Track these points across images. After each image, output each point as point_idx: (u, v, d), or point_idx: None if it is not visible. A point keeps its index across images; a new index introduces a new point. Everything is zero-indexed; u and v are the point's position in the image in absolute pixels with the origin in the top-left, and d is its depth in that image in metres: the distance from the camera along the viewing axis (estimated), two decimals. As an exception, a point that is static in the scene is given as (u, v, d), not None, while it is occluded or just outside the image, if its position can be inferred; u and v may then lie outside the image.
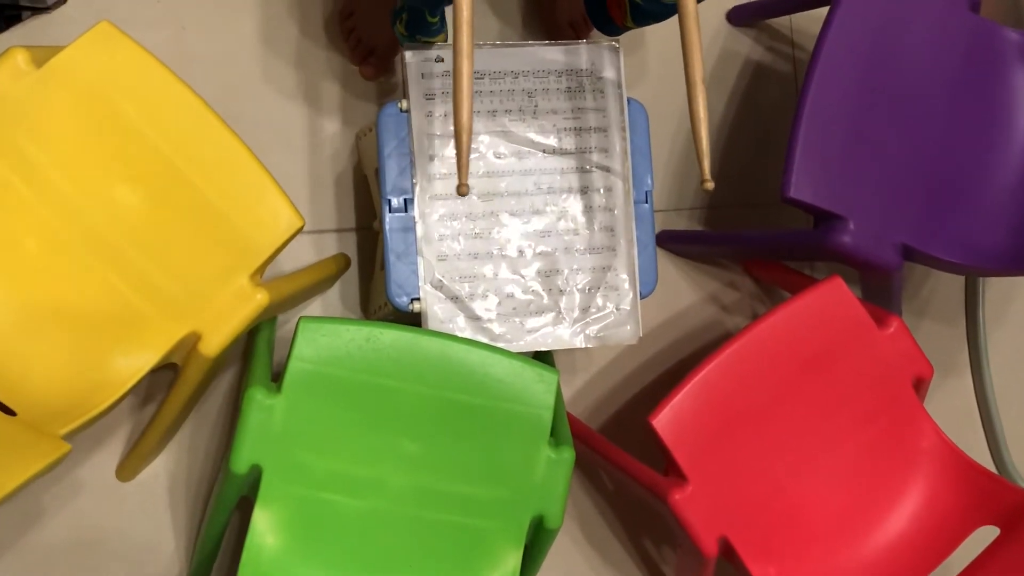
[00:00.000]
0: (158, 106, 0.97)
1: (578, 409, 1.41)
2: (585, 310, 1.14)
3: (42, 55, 0.95)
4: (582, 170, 1.15)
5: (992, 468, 1.56)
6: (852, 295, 1.14)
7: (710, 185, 0.91)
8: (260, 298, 0.98)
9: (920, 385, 1.17)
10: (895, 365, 1.15)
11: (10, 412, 0.90)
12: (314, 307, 1.33)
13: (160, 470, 1.26)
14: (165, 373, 1.25)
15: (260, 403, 0.95)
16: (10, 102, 0.93)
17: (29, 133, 0.94)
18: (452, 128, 1.11)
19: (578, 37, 1.38)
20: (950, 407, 1.55)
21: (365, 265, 1.35)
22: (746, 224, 1.51)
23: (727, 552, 1.07)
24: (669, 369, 1.45)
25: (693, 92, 0.91)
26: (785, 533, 1.10)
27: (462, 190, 0.89)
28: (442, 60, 1.12)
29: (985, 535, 1.12)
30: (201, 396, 1.26)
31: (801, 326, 1.12)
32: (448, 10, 1.07)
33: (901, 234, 1.18)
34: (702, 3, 1.04)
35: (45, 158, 0.95)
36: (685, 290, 1.47)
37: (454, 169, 1.11)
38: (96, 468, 1.24)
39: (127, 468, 1.24)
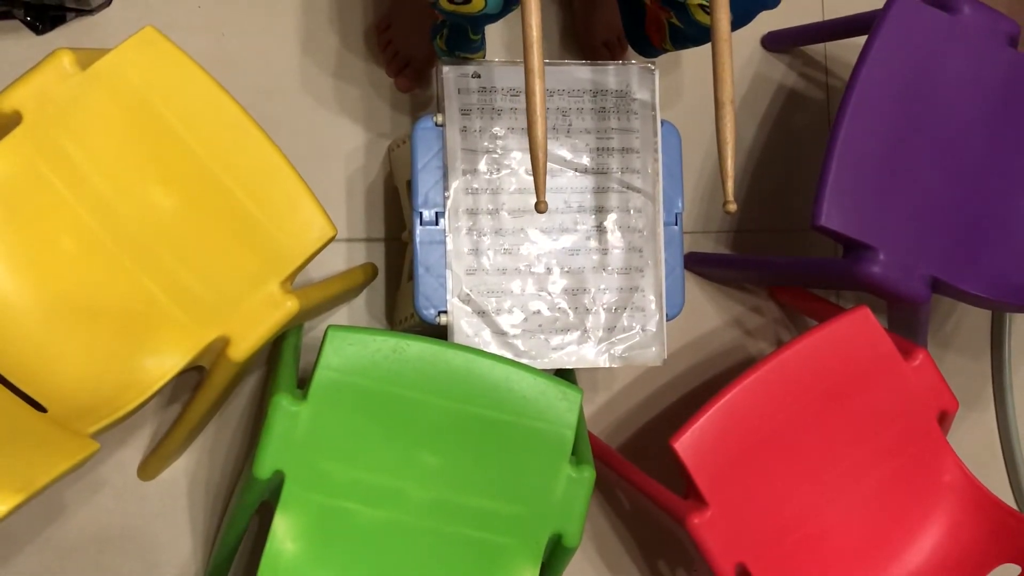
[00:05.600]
0: (198, 112, 0.98)
1: (598, 428, 1.41)
2: (611, 330, 1.14)
3: (87, 57, 0.97)
4: (613, 190, 1.15)
5: (1012, 504, 1.54)
6: (879, 326, 1.14)
7: (732, 207, 0.92)
8: (290, 305, 0.99)
9: (944, 419, 1.16)
10: (920, 398, 1.14)
11: (41, 408, 0.91)
12: (340, 315, 1.34)
13: (181, 471, 1.27)
14: (191, 374, 1.26)
15: (286, 410, 0.96)
16: (54, 103, 0.95)
17: (71, 134, 0.96)
18: (485, 144, 1.12)
19: (613, 58, 1.39)
20: (972, 441, 1.54)
21: (392, 275, 1.36)
22: (774, 249, 1.51)
23: (744, 578, 1.07)
24: (691, 391, 1.45)
25: (721, 113, 0.92)
26: (803, 562, 1.09)
27: (540, 207, 0.91)
28: (479, 76, 1.13)
29: (1007, 573, 1.11)
30: (226, 399, 1.27)
31: (827, 355, 1.11)
32: (489, 28, 1.08)
33: (931, 267, 1.18)
34: (740, 29, 1.04)
35: (85, 159, 0.96)
36: (710, 313, 1.47)
37: (486, 184, 1.12)
38: (118, 466, 1.25)
39: (149, 468, 1.25)
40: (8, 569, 1.21)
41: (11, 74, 0.98)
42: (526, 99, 0.90)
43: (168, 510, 1.26)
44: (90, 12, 1.29)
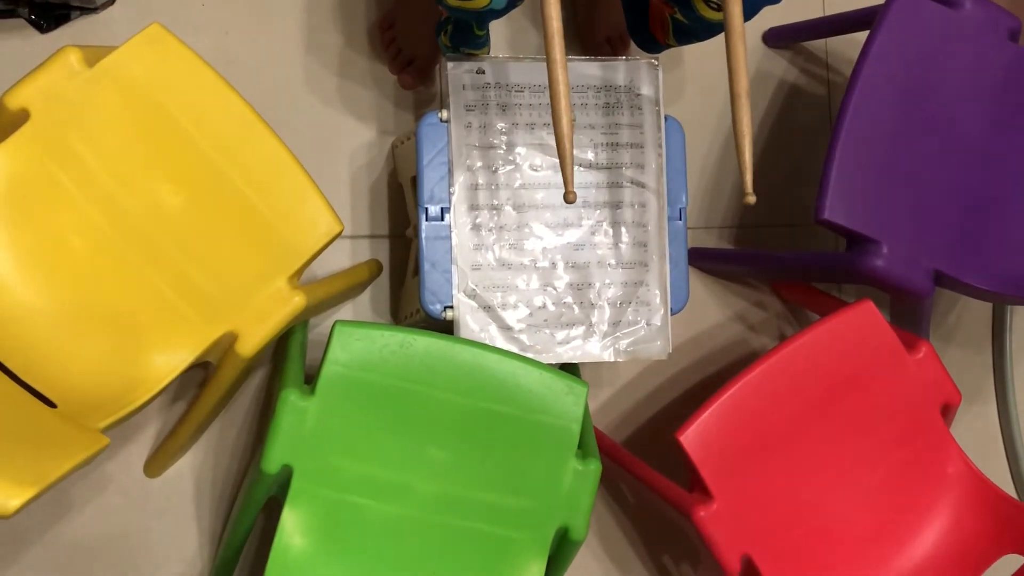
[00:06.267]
0: (204, 109, 0.99)
1: (603, 422, 1.41)
2: (616, 324, 1.14)
3: (94, 55, 0.97)
4: (617, 185, 1.16)
5: (1014, 495, 1.55)
6: (883, 319, 1.14)
7: (751, 199, 0.92)
8: (297, 301, 0.99)
9: (947, 411, 1.17)
10: (923, 391, 1.15)
11: (50, 404, 0.91)
12: (345, 312, 1.34)
13: (187, 468, 1.27)
14: (195, 371, 1.26)
15: (294, 404, 0.96)
16: (62, 100, 0.95)
17: (79, 132, 0.96)
18: (491, 139, 1.12)
19: (615, 54, 1.39)
20: (974, 433, 1.54)
21: (397, 272, 1.36)
22: (776, 244, 1.52)
23: (750, 571, 1.07)
24: (694, 386, 1.45)
25: (737, 106, 0.92)
26: (808, 554, 1.10)
27: (569, 198, 0.91)
28: (483, 72, 1.13)
29: (1010, 564, 1.12)
30: (232, 396, 1.27)
31: (831, 348, 1.12)
32: (494, 24, 1.08)
33: (934, 260, 1.19)
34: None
35: (93, 157, 0.97)
36: (713, 308, 1.47)
37: (491, 180, 1.12)
38: (124, 464, 1.26)
39: (155, 465, 1.25)
40: (15, 566, 1.21)
41: (16, 72, 0.98)
42: (550, 89, 0.90)
43: (174, 507, 1.26)
44: (94, 10, 1.29)
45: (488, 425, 1.00)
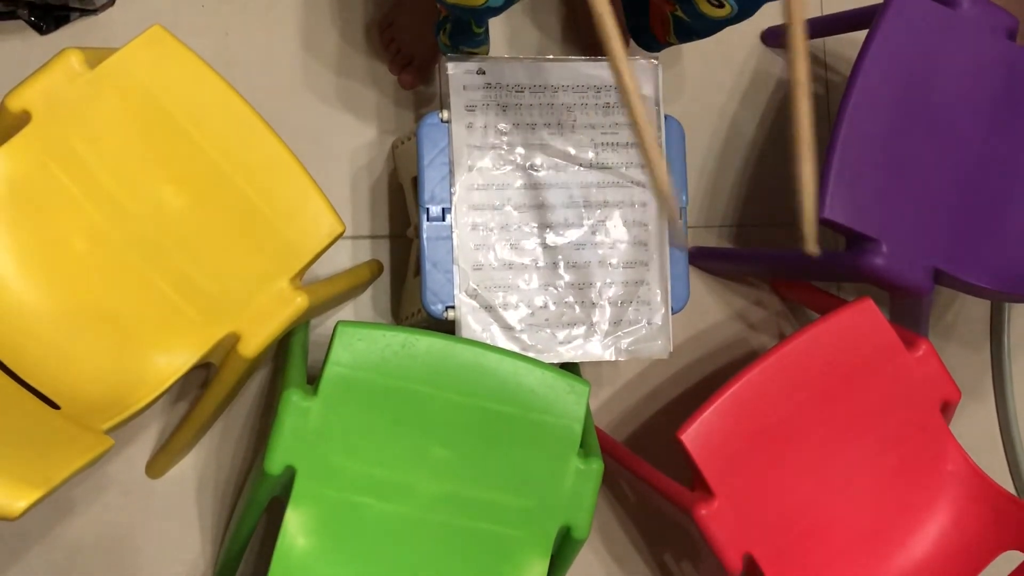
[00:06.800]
0: (206, 110, 0.99)
1: (604, 421, 1.42)
2: (617, 323, 1.15)
3: (95, 56, 0.97)
4: (618, 185, 1.16)
5: (1013, 492, 1.55)
6: (882, 317, 1.15)
7: (815, 250, 0.92)
8: (300, 301, 1.00)
9: (947, 408, 1.17)
10: (923, 388, 1.15)
11: (54, 406, 0.91)
12: (346, 312, 1.34)
13: (189, 468, 1.28)
14: (197, 372, 1.26)
15: (296, 405, 0.96)
16: (63, 102, 0.95)
17: (80, 133, 0.96)
18: (492, 140, 1.13)
19: (615, 53, 1.39)
20: (972, 431, 1.54)
21: (397, 272, 1.37)
22: (775, 243, 1.52)
23: (751, 569, 1.07)
24: (694, 385, 1.45)
25: (803, 154, 0.90)
26: (809, 552, 1.10)
27: (675, 220, 0.96)
28: (483, 72, 1.13)
29: (1010, 560, 1.12)
30: (235, 397, 1.27)
31: (832, 346, 1.12)
32: (493, 24, 1.08)
33: (933, 258, 1.19)
34: (739, 24, 1.05)
35: (95, 158, 0.97)
36: (712, 307, 1.48)
37: (491, 180, 1.13)
38: (126, 464, 1.26)
39: (157, 465, 1.25)
40: (18, 567, 1.21)
41: (16, 74, 0.98)
42: (633, 121, 0.89)
43: (176, 508, 1.27)
44: (94, 12, 1.29)
45: (490, 425, 1.00)
